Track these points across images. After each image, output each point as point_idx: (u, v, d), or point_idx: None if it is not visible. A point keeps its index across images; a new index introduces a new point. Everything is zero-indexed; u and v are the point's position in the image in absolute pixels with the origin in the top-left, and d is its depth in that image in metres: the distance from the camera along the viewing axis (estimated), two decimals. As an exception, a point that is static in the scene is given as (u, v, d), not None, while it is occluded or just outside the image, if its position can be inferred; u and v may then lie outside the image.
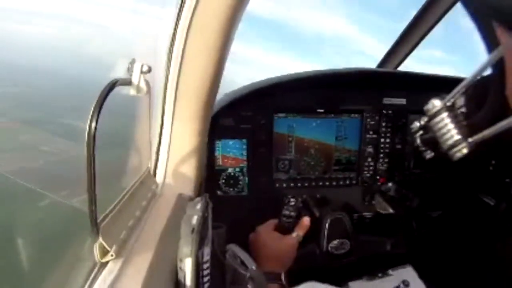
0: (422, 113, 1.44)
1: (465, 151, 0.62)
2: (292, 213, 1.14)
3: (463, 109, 0.68)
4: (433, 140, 0.69)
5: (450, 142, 0.64)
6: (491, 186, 1.50)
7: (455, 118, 0.64)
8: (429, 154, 0.76)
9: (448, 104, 0.66)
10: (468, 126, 0.63)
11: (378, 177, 1.51)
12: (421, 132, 0.74)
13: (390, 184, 1.41)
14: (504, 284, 1.43)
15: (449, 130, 0.64)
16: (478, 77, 0.61)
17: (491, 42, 0.52)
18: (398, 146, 1.51)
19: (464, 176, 1.59)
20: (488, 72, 0.59)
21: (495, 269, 1.47)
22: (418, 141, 0.77)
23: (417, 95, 1.46)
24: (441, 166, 1.56)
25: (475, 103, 0.65)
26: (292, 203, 1.16)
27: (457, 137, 0.63)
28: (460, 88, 0.64)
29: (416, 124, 0.76)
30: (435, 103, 0.67)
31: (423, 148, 0.76)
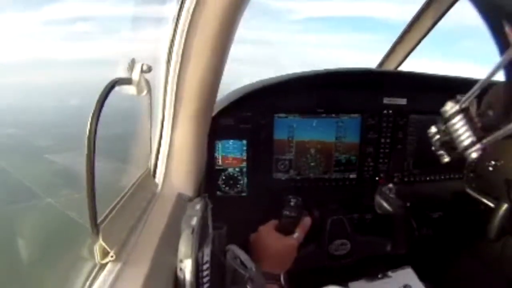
0: (422, 113, 1.45)
1: (479, 152, 0.64)
2: (293, 214, 1.13)
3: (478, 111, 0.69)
4: (449, 142, 0.71)
5: (465, 143, 0.66)
6: (491, 186, 1.50)
7: (470, 120, 0.66)
8: (445, 158, 0.76)
9: (463, 106, 0.67)
10: (482, 128, 0.65)
11: (378, 178, 1.50)
12: (438, 136, 0.75)
13: (390, 185, 1.41)
14: (504, 284, 1.43)
15: (464, 132, 0.66)
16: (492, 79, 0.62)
17: (503, 43, 0.52)
18: (399, 146, 1.50)
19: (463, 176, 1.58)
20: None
21: (495, 269, 1.47)
22: (434, 145, 0.77)
23: (417, 95, 1.46)
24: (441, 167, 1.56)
25: (489, 105, 0.67)
26: (292, 203, 1.15)
27: (472, 139, 0.65)
28: (474, 90, 0.66)
29: (433, 129, 0.77)
30: (450, 106, 0.68)
31: (440, 152, 0.77)
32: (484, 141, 0.64)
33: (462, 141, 0.66)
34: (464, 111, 0.67)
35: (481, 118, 0.66)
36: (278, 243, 1.08)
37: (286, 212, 1.13)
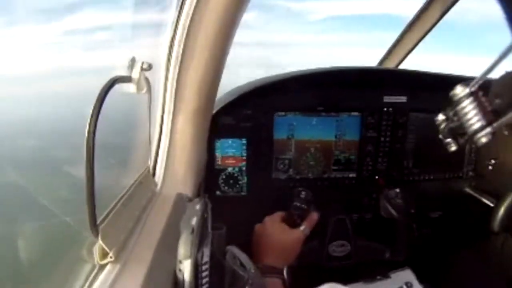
0: (422, 111, 1.45)
1: (489, 137, 0.63)
2: (303, 205, 1.11)
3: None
4: (458, 129, 0.71)
5: (474, 127, 0.65)
6: (491, 184, 1.50)
7: (480, 103, 0.66)
8: (453, 147, 0.75)
9: (473, 89, 0.66)
10: (492, 112, 0.64)
11: (377, 177, 1.50)
12: (445, 123, 0.75)
13: (397, 190, 1.39)
14: (504, 284, 1.43)
15: (474, 115, 0.65)
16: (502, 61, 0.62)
17: None
18: (398, 145, 1.50)
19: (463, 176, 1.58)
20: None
21: (495, 270, 1.47)
22: (442, 133, 0.77)
23: (417, 93, 1.45)
24: (441, 165, 1.56)
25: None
26: (303, 196, 1.14)
27: (482, 122, 0.64)
28: (484, 72, 0.65)
29: (440, 116, 0.76)
30: (461, 89, 0.67)
31: (447, 140, 0.76)
32: (495, 124, 0.63)
33: (472, 124, 0.65)
34: (474, 94, 0.66)
35: (491, 103, 0.65)
36: (284, 235, 1.05)
37: (296, 204, 1.11)
